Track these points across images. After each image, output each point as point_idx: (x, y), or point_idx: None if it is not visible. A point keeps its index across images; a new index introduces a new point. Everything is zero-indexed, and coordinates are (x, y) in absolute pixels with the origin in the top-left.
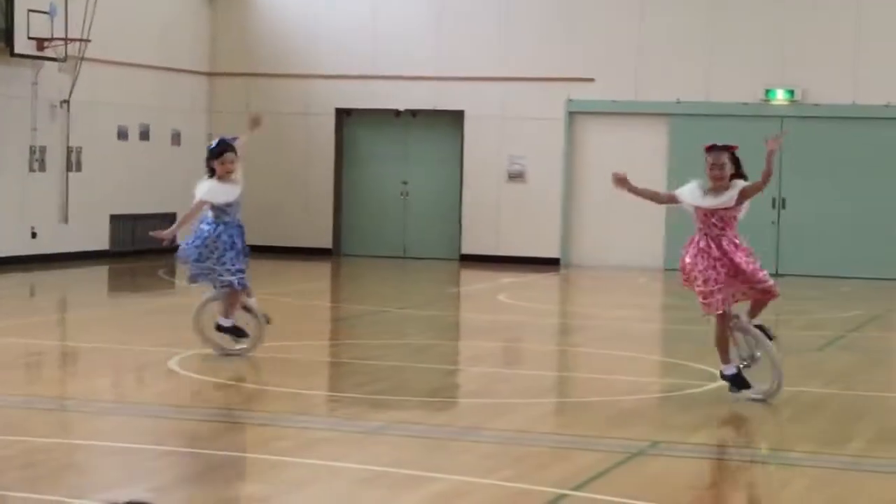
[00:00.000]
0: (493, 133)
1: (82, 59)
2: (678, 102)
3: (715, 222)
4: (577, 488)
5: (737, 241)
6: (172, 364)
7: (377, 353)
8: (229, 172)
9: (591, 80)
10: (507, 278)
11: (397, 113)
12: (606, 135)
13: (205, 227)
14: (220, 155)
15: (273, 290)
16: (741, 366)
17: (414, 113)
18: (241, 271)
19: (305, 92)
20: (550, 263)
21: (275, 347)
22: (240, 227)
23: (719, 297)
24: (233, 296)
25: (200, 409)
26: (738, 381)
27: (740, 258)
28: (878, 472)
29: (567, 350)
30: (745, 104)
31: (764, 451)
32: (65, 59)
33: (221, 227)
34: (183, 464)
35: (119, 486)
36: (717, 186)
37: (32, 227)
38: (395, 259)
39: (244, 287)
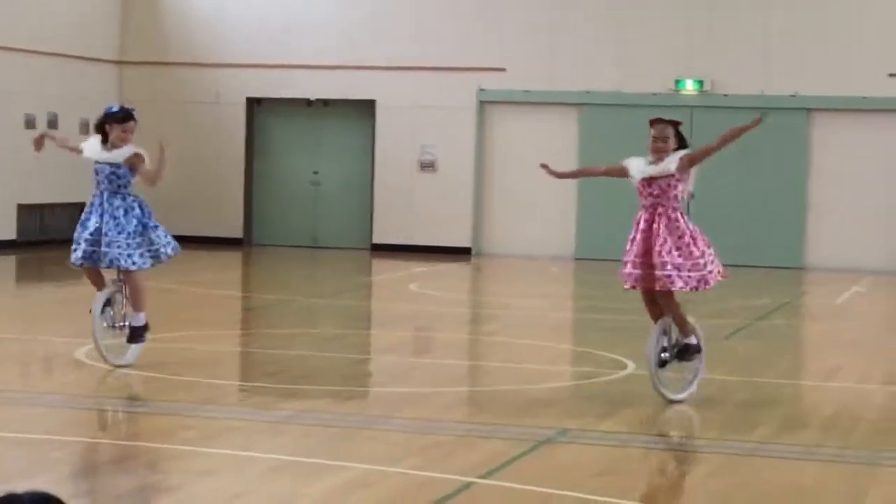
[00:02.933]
0: (404, 122)
1: None
2: (589, 92)
3: (653, 192)
4: (484, 476)
5: (677, 221)
6: (79, 354)
7: (287, 342)
8: (123, 142)
9: (503, 69)
10: (419, 268)
11: (308, 102)
12: (518, 124)
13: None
14: (123, 121)
15: (182, 279)
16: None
17: (325, 102)
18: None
19: (216, 81)
20: (462, 253)
21: (183, 337)
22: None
23: (628, 270)
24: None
25: (107, 399)
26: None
27: (660, 240)
28: (781, 459)
29: (478, 339)
30: (655, 94)
31: (670, 438)
32: None
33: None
34: (88, 454)
35: (21, 477)
36: (659, 159)
37: None
38: (306, 249)
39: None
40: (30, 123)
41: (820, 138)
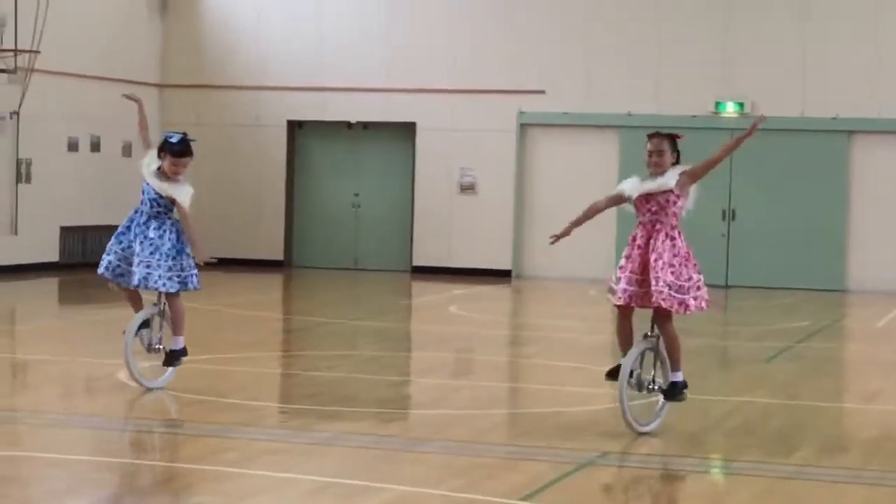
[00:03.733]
0: (444, 145)
1: (32, 70)
2: (629, 115)
3: (651, 208)
4: (525, 498)
5: (674, 239)
6: (121, 376)
7: (327, 364)
8: (174, 174)
9: (542, 92)
10: (459, 290)
11: (349, 125)
12: (557, 147)
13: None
14: (179, 156)
15: (224, 301)
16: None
17: (366, 125)
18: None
19: (257, 104)
20: (502, 275)
21: (224, 359)
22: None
23: (623, 286)
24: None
25: (148, 421)
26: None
27: (655, 255)
28: (822, 482)
29: (518, 361)
30: (695, 116)
31: (710, 461)
32: (14, 71)
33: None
34: (129, 476)
35: (64, 498)
36: (656, 173)
37: None
38: (346, 271)
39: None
40: (72, 146)
41: (860, 160)
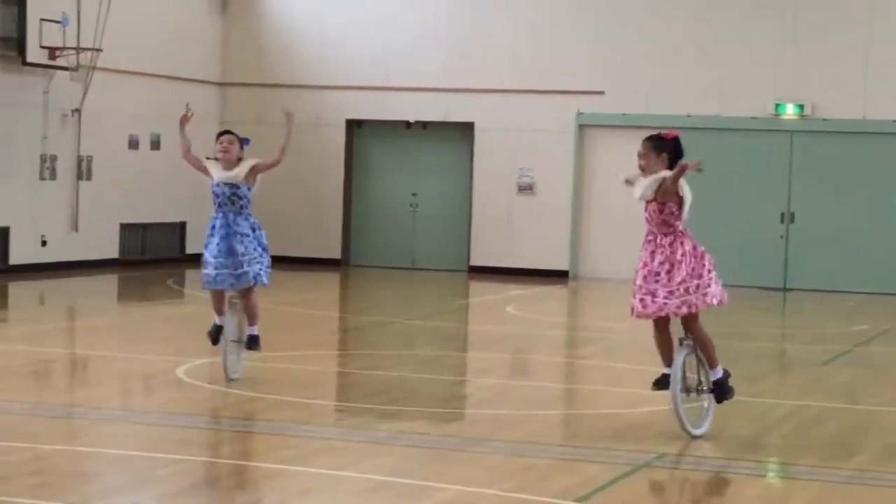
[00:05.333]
0: (503, 145)
1: (94, 68)
2: (688, 116)
3: (646, 215)
4: (581, 500)
5: (671, 244)
6: (180, 373)
7: (384, 363)
8: (226, 153)
9: (602, 92)
10: (516, 290)
11: (408, 124)
12: (616, 148)
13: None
14: (217, 138)
15: (282, 299)
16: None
17: (424, 124)
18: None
19: (317, 103)
20: (559, 275)
21: (282, 357)
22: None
23: (637, 297)
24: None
25: (207, 418)
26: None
27: (656, 264)
28: (881, 487)
29: (574, 362)
30: (755, 118)
31: (766, 464)
32: (76, 69)
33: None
34: (189, 472)
35: (125, 493)
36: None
37: (43, 236)
38: (403, 270)
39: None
40: (133, 144)
41: None
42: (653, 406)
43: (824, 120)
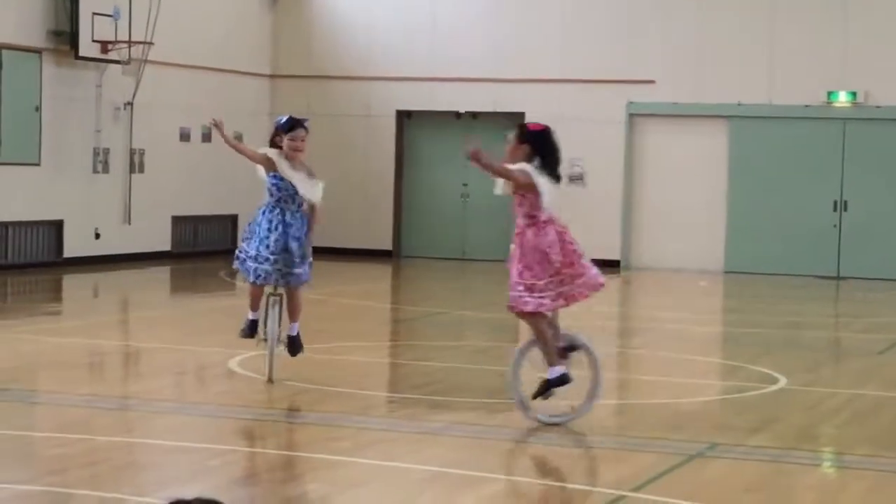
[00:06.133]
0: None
1: (146, 61)
2: (739, 105)
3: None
4: (635, 490)
5: (524, 236)
6: (233, 364)
7: (436, 354)
8: (296, 151)
9: (652, 82)
10: None
11: (458, 115)
12: (667, 137)
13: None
14: (290, 130)
15: (333, 290)
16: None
17: (474, 115)
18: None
19: (366, 94)
20: (610, 266)
21: (333, 348)
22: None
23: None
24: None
25: (260, 410)
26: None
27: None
28: None
29: (626, 352)
30: (807, 106)
31: (822, 454)
32: (128, 62)
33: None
34: (241, 463)
35: (180, 484)
36: None
37: (96, 228)
38: (454, 261)
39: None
40: (184, 136)
41: None
42: (705, 396)
43: (877, 107)
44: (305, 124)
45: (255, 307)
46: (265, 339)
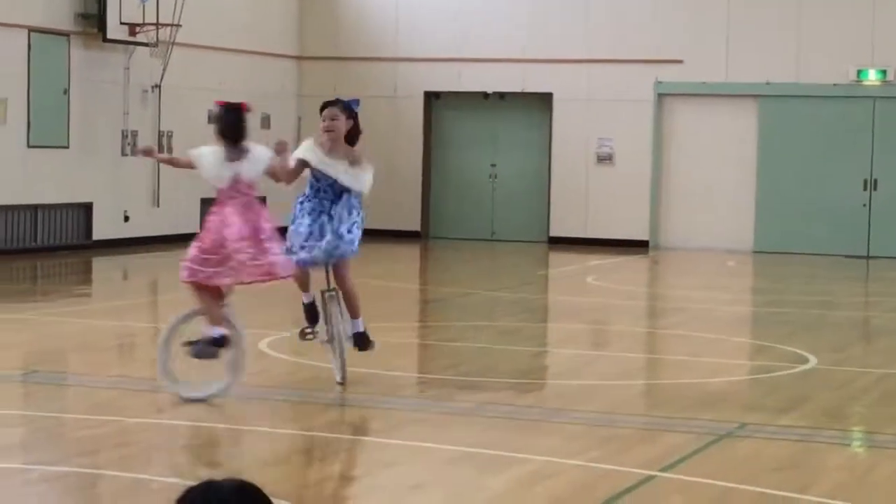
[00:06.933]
0: (581, 115)
1: (173, 43)
2: (768, 84)
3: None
4: (665, 469)
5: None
6: (263, 346)
7: (465, 335)
8: (328, 132)
9: (680, 61)
10: (596, 261)
11: (486, 95)
12: (695, 117)
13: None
14: (321, 111)
15: (361, 272)
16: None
17: (502, 95)
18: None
19: (394, 75)
20: (639, 246)
21: None
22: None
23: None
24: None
25: (290, 391)
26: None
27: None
28: None
29: (655, 332)
30: (836, 85)
31: (851, 433)
32: (156, 44)
33: None
34: (272, 444)
35: (210, 465)
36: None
37: (125, 211)
38: (483, 242)
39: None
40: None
41: None
42: (734, 376)
43: None
44: (343, 103)
45: (305, 289)
46: (328, 341)
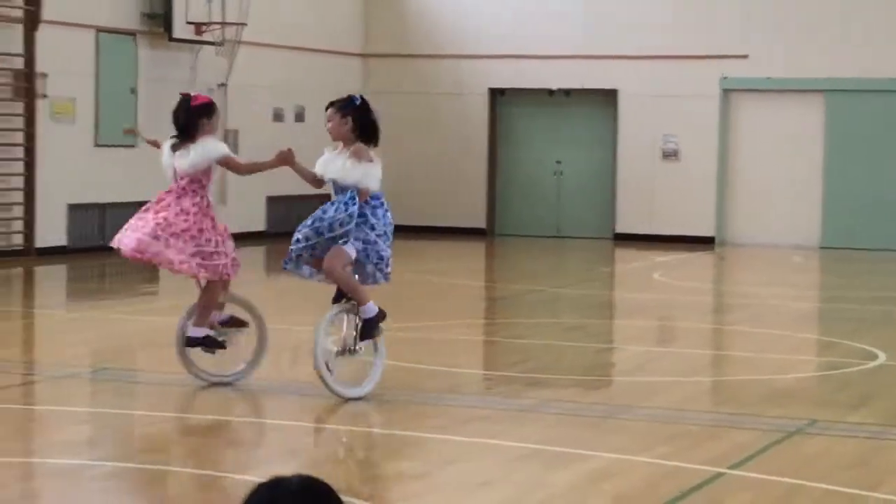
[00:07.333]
0: (646, 111)
1: (239, 42)
2: (834, 79)
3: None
4: (733, 467)
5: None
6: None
7: (531, 331)
8: (331, 133)
9: (745, 56)
10: (662, 257)
11: (550, 92)
12: (761, 112)
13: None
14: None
15: (426, 269)
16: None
17: (567, 92)
18: None
19: (458, 72)
20: (705, 242)
21: (429, 327)
22: None
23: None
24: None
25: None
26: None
27: None
28: None
29: (721, 328)
30: None
31: None
32: (222, 43)
33: None
34: (337, 441)
35: (275, 462)
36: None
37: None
38: (548, 238)
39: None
40: (278, 116)
41: None
42: (801, 372)
43: None
44: (338, 104)
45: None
46: (352, 351)
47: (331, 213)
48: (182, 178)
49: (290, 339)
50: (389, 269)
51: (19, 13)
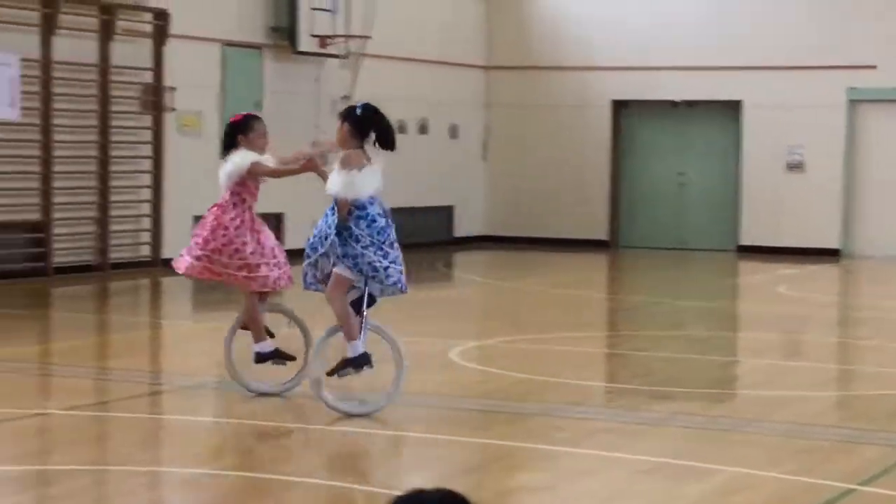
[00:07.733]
0: (771, 123)
1: (363, 55)
2: None
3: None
4: (864, 483)
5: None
6: (453, 355)
7: (654, 344)
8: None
9: (873, 67)
10: (787, 269)
11: (674, 104)
12: (889, 123)
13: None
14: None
15: (549, 281)
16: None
17: (690, 103)
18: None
19: (581, 84)
20: (830, 254)
21: (551, 339)
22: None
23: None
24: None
25: (480, 400)
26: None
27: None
28: None
29: (850, 342)
30: None
31: None
32: (346, 56)
33: None
34: (465, 453)
35: (402, 474)
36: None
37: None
38: (672, 250)
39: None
40: (401, 129)
41: None
42: None
43: None
44: (342, 112)
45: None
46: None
47: (320, 225)
48: (225, 192)
49: (416, 350)
50: (395, 279)
51: (148, 28)
